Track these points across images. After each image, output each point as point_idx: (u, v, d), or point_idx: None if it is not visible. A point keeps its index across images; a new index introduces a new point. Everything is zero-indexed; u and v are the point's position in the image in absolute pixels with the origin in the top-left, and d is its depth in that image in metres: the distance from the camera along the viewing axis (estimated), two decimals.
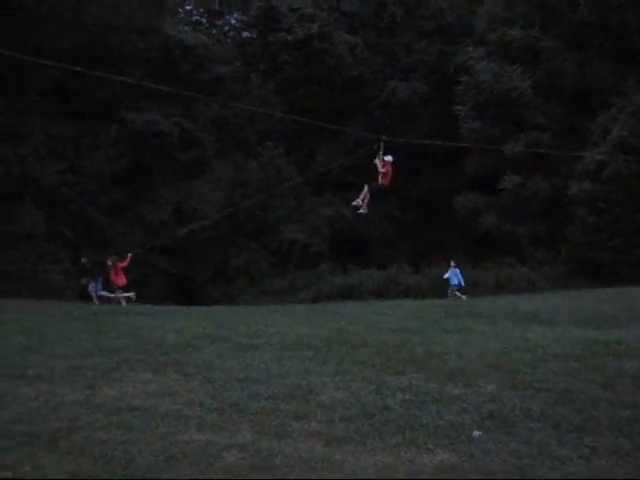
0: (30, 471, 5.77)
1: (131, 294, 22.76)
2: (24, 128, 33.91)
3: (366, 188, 18.48)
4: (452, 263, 28.88)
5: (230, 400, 7.80)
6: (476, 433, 6.84)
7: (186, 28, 48.73)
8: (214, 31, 55.89)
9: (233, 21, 57.98)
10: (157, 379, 8.73)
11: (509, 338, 12.36)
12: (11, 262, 31.43)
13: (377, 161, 17.82)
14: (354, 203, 18.74)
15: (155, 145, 38.87)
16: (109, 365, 9.40)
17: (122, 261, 22.30)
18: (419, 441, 6.64)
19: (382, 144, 17.65)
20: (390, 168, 17.96)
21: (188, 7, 57.63)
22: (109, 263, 22.31)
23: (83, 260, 23.94)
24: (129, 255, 22.76)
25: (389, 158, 17.83)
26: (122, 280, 21.94)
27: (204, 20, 57.39)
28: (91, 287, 22.58)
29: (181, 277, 38.63)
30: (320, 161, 42.17)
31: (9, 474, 5.69)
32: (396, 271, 36.90)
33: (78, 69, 22.02)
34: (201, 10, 57.93)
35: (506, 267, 36.62)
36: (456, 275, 28.51)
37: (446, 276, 28.77)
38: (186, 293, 36.47)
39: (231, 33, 57.48)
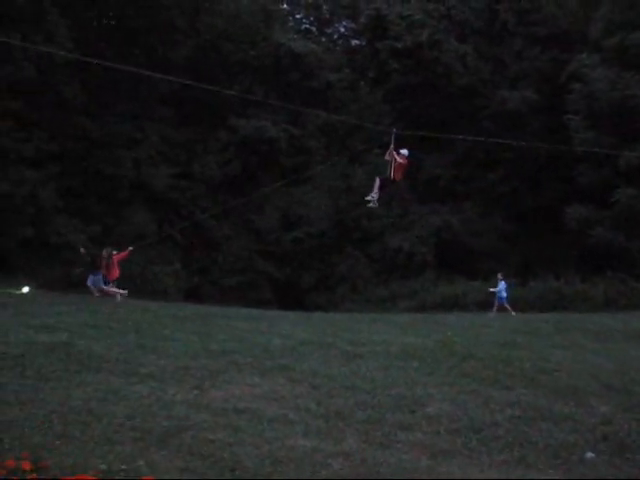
0: (143, 466, 5.95)
1: (124, 291, 21.14)
2: (140, 133, 35.18)
3: (377, 181, 17.14)
4: (499, 276, 27.72)
5: (336, 407, 7.81)
6: (589, 455, 6.60)
7: (296, 36, 49.38)
8: (323, 39, 56.42)
9: (342, 29, 58.38)
10: (264, 383, 8.84)
11: (623, 357, 11.90)
12: (123, 263, 32.55)
13: (388, 156, 16.79)
14: (368, 198, 17.06)
15: (263, 151, 39.55)
16: (217, 367, 9.59)
17: (119, 253, 21.29)
18: (528, 459, 6.46)
19: (393, 137, 16.87)
20: (406, 162, 16.93)
21: (298, 15, 58.45)
22: (104, 254, 21.11)
23: (82, 250, 21.96)
24: (129, 248, 21.65)
25: (405, 152, 16.86)
26: (115, 273, 20.91)
27: (314, 28, 58.07)
28: (90, 280, 20.80)
29: (286, 283, 39.05)
30: (427, 169, 41.80)
31: (124, 467, 5.90)
32: None
33: (186, 81, 22.84)
34: (311, 18, 58.64)
35: (617, 282, 35.18)
36: (505, 288, 27.35)
37: (497, 289, 27.34)
38: (290, 299, 36.82)
39: (340, 41, 57.90)
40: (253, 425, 7.15)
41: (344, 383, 8.89)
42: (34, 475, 4.57)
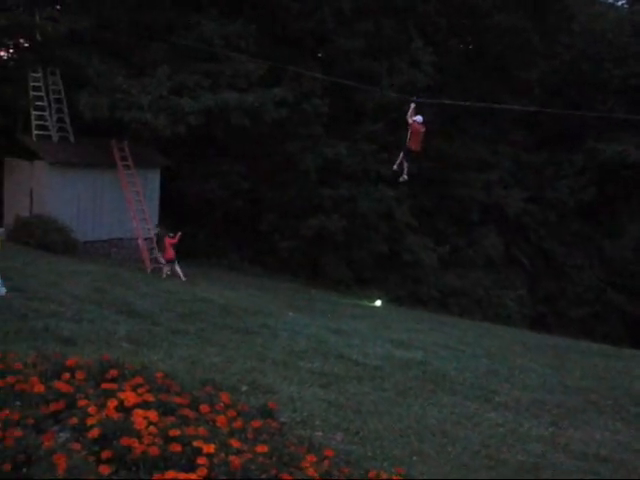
0: None
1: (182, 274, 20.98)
2: (492, 157, 35.21)
3: (402, 154, 16.38)
4: None
5: None
6: None
7: None
8: None
9: None
10: (628, 430, 8.18)
11: None
12: (469, 283, 32.82)
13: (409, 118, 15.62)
14: (394, 168, 16.83)
15: (624, 177, 37.12)
16: (574, 405, 9.11)
17: (171, 238, 21.04)
18: None
19: (413, 105, 15.66)
20: (420, 129, 15.55)
21: None
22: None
23: (157, 231, 22.74)
24: (179, 233, 21.14)
25: (419, 118, 15.47)
26: (169, 254, 20.87)
27: None
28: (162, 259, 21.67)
29: (638, 318, 36.19)
30: None
31: None
32: None
33: (535, 109, 22.19)
34: None
35: None
36: None
37: None
38: None
39: None
40: (618, 477, 6.62)
41: None
42: None
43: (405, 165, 16.96)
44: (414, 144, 16.18)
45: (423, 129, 16.07)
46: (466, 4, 34.02)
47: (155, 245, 22.49)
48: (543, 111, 28.00)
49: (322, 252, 29.44)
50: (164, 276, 20.60)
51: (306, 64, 27.01)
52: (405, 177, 17.25)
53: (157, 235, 22.58)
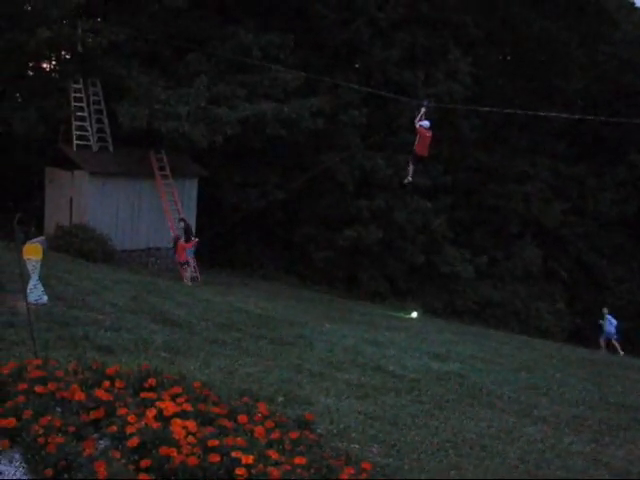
0: None
1: (189, 277, 21.39)
2: (531, 168, 34.83)
3: (410, 157, 16.78)
4: (605, 310, 25.08)
5: None
6: None
7: None
8: None
9: None
10: None
11: None
12: (506, 296, 32.46)
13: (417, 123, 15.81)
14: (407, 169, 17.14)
15: None
16: (617, 422, 8.93)
17: (186, 242, 21.38)
18: None
19: (423, 109, 15.79)
20: (426, 134, 15.55)
21: None
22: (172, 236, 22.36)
23: (181, 221, 22.59)
24: (195, 239, 21.74)
25: (425, 123, 15.55)
26: (181, 257, 21.28)
27: None
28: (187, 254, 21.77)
29: None
30: None
31: None
32: None
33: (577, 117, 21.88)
34: None
35: None
36: (611, 323, 24.21)
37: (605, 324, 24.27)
38: None
39: None
40: None
41: None
42: None
43: (411, 168, 17.16)
44: (421, 149, 16.30)
45: (429, 134, 16.10)
46: (503, 14, 33.82)
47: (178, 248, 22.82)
48: (577, 117, 27.55)
49: (358, 263, 29.35)
50: (189, 282, 20.86)
51: (344, 75, 27.05)
52: (410, 179, 17.41)
53: (181, 225, 22.55)
